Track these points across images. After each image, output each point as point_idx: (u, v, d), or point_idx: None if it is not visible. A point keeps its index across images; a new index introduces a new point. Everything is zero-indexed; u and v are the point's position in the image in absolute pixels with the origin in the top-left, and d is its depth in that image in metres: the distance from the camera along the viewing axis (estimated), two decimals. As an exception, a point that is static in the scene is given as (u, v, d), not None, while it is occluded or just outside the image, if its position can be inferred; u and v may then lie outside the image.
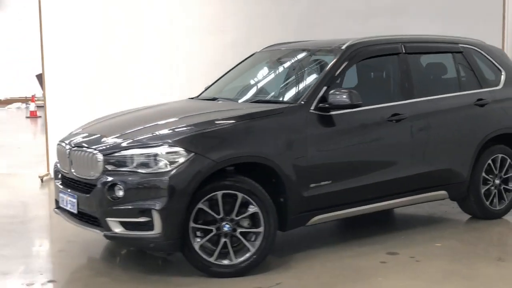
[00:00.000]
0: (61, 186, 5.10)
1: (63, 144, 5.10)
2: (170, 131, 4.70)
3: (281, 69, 5.86)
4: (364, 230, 5.89)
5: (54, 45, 8.73)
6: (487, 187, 6.13)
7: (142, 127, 4.92)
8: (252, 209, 4.66)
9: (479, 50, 6.35)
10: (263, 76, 5.89)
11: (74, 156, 4.88)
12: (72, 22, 8.74)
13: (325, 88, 5.15)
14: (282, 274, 4.73)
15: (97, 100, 8.48)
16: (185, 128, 4.71)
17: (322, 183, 5.06)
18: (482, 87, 6.18)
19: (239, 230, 4.65)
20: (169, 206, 4.38)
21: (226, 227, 4.61)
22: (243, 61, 6.40)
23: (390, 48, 5.74)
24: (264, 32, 8.51)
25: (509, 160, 6.26)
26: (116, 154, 4.57)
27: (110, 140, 4.76)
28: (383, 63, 5.83)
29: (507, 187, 6.28)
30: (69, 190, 4.92)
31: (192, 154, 4.48)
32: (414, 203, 5.87)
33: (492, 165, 6.14)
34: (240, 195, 4.62)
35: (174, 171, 4.42)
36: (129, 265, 5.11)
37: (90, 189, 4.65)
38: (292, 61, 5.84)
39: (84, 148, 4.79)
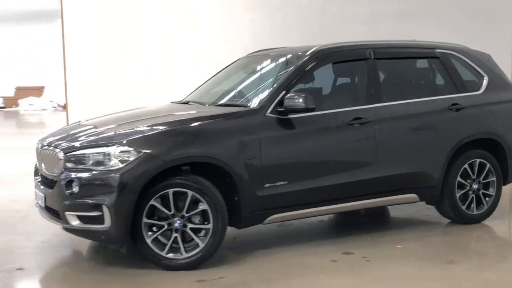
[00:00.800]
0: (37, 183, 5.49)
1: (38, 144, 5.50)
2: (127, 132, 5.01)
3: (253, 74, 6.06)
4: (331, 230, 6.02)
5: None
6: (463, 191, 6.13)
7: (105, 128, 5.25)
8: (202, 206, 4.91)
9: (459, 56, 6.37)
10: (237, 81, 6.11)
11: (43, 154, 5.27)
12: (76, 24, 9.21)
13: (283, 92, 5.34)
14: (231, 269, 4.95)
15: (97, 99, 8.91)
16: (140, 130, 5.01)
17: (278, 183, 5.24)
18: (459, 92, 6.19)
19: (190, 226, 4.91)
20: (117, 201, 4.69)
21: (177, 223, 4.88)
22: (228, 65, 6.65)
23: (357, 54, 5.86)
24: (270, 37, 8.76)
25: (488, 165, 6.23)
26: (75, 152, 4.92)
27: (72, 140, 5.12)
28: (350, 69, 5.96)
29: (487, 192, 6.26)
30: (41, 187, 5.31)
31: (142, 153, 4.77)
32: (381, 205, 5.98)
33: (469, 169, 6.14)
34: (190, 193, 4.88)
35: (123, 169, 4.73)
36: (96, 256, 5.45)
37: (53, 185, 5.02)
38: (264, 66, 6.04)
39: (51, 147, 5.16)
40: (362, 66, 5.83)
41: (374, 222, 6.60)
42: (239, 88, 5.95)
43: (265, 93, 5.43)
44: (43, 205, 5.22)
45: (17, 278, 4.95)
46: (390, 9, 8.91)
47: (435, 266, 4.98)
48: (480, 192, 6.24)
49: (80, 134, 5.24)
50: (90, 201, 4.76)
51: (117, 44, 9.18)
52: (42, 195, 5.20)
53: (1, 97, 27.22)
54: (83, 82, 9.20)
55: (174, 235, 4.89)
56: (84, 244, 5.66)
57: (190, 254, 4.92)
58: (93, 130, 5.27)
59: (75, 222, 4.86)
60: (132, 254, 5.39)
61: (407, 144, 5.84)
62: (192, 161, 4.97)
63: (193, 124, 5.11)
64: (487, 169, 6.23)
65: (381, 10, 8.93)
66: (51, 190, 5.04)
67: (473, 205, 6.20)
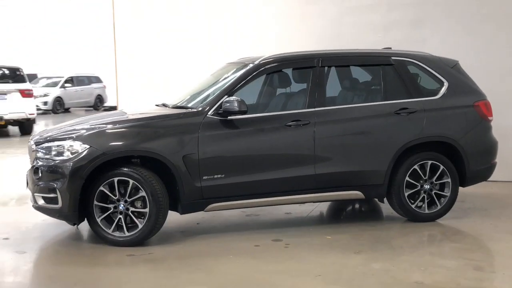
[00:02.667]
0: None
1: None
2: (79, 129, 5.96)
3: (216, 80, 6.72)
4: (293, 222, 6.61)
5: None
6: (413, 190, 6.45)
7: (75, 125, 6.22)
8: (141, 193, 5.75)
9: (418, 63, 6.67)
10: (203, 86, 6.81)
11: (28, 146, 6.37)
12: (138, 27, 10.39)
13: (226, 97, 6.03)
14: (163, 247, 5.74)
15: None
16: (91, 127, 5.95)
17: (215, 176, 5.94)
18: (412, 97, 6.51)
19: (131, 209, 5.78)
20: (67, 186, 5.65)
21: (121, 206, 5.76)
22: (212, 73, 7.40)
23: (303, 62, 6.40)
24: (292, 44, 9.35)
25: (442, 167, 6.50)
26: (41, 145, 5.95)
27: (45, 134, 6.16)
28: (296, 76, 6.50)
29: (441, 193, 6.53)
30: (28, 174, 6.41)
31: (87, 146, 5.70)
32: (322, 200, 6.47)
33: (418, 170, 6.46)
34: (131, 181, 5.74)
35: (72, 159, 5.68)
36: (68, 232, 6.44)
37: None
38: (226, 74, 6.69)
39: (31, 141, 6.24)
40: (308, 73, 6.35)
41: (346, 216, 7.09)
42: (199, 92, 6.66)
43: (211, 97, 6.16)
44: (26, 188, 6.32)
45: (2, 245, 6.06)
46: (405, 16, 9.14)
47: (341, 255, 5.44)
48: (433, 192, 6.51)
49: (54, 130, 6.26)
50: (49, 185, 5.76)
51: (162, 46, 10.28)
52: (27, 180, 6.30)
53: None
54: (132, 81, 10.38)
55: (119, 216, 5.77)
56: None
57: (131, 233, 5.76)
58: (65, 127, 6.27)
59: (40, 202, 5.89)
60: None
61: (347, 145, 6.27)
62: (132, 154, 5.81)
63: (137, 123, 5.98)
64: (440, 170, 6.50)
65: (397, 17, 9.18)
66: (30, 176, 6.12)
67: (424, 204, 6.49)
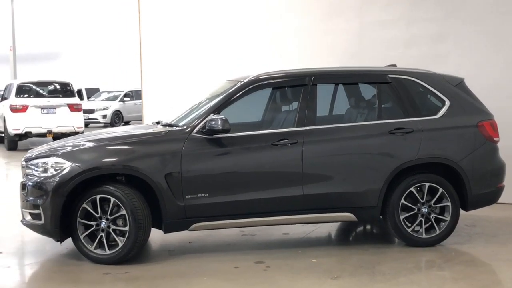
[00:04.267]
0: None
1: (29, 153, 6.68)
2: (70, 145, 5.96)
3: (209, 98, 6.59)
4: (285, 243, 6.41)
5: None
6: (408, 214, 6.12)
7: (66, 142, 6.24)
8: (122, 211, 5.70)
9: (417, 81, 6.35)
10: (196, 104, 6.70)
11: (21, 163, 6.44)
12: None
13: (212, 115, 5.92)
14: (143, 266, 5.62)
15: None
16: (78, 143, 5.94)
17: (199, 195, 5.81)
18: (408, 116, 6.21)
19: (112, 227, 5.73)
20: (49, 202, 5.65)
21: (103, 224, 5.73)
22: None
23: (293, 81, 6.20)
24: (314, 61, 9.16)
25: (441, 190, 6.15)
26: (29, 162, 5.99)
27: (35, 151, 6.21)
28: (286, 94, 6.30)
29: (440, 217, 6.17)
30: (23, 189, 6.46)
31: (70, 163, 5.70)
32: (311, 222, 6.22)
33: (415, 193, 6.13)
34: (112, 199, 5.69)
35: (55, 176, 5.69)
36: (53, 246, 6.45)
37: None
38: (219, 91, 6.54)
39: (23, 158, 6.31)
40: (299, 91, 6.14)
41: (343, 236, 6.82)
42: (194, 110, 6.53)
43: (197, 116, 6.05)
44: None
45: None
46: (426, 30, 8.79)
47: (321, 280, 5.19)
48: (432, 216, 6.17)
49: (44, 146, 6.31)
50: (32, 202, 5.79)
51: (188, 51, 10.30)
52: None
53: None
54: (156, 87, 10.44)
55: (100, 234, 5.73)
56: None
57: (112, 251, 5.70)
58: (58, 143, 6.30)
59: (27, 218, 5.92)
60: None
61: (338, 165, 6.00)
62: (112, 172, 5.77)
63: (120, 141, 5.92)
64: (439, 193, 6.15)
65: (418, 32, 8.85)
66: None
67: (422, 228, 6.15)
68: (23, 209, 5.96)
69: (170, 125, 6.27)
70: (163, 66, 10.63)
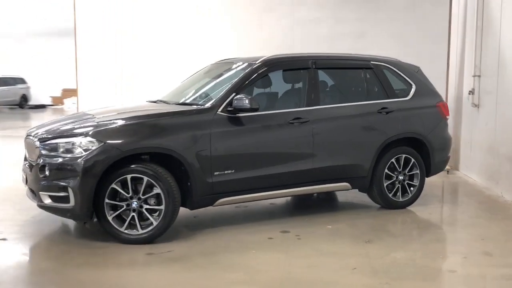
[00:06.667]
0: (25, 167, 5.17)
1: (26, 133, 5.18)
2: (89, 125, 4.69)
3: (214, 79, 5.72)
4: (278, 213, 5.71)
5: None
6: (390, 181, 5.79)
7: (78, 121, 4.92)
8: (156, 190, 4.58)
9: (391, 67, 6.03)
10: (201, 84, 5.77)
11: (26, 142, 4.95)
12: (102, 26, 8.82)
13: (234, 94, 5.00)
14: (179, 244, 4.67)
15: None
16: (100, 123, 4.69)
17: (226, 171, 4.92)
18: (388, 97, 5.84)
19: (145, 206, 4.58)
20: (80, 184, 4.40)
21: (134, 204, 4.57)
22: (198, 71, 6.30)
23: (300, 63, 5.54)
24: (251, 53, 8.34)
25: (413, 160, 5.89)
26: (47, 142, 4.61)
27: (48, 130, 4.79)
28: (294, 76, 5.63)
29: (411, 182, 5.92)
30: (27, 170, 4.99)
31: (102, 143, 4.45)
32: (318, 191, 5.65)
33: (395, 163, 5.79)
34: (145, 178, 4.58)
35: (86, 156, 4.42)
36: (72, 231, 5.12)
37: (31, 169, 4.70)
38: (224, 73, 5.69)
39: (31, 137, 4.84)
40: (305, 74, 5.51)
41: (317, 206, 6.25)
42: (200, 90, 5.61)
43: (219, 95, 5.08)
44: (26, 186, 4.90)
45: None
46: (349, 28, 8.53)
47: (354, 244, 4.67)
48: (405, 183, 5.90)
49: (57, 125, 4.91)
50: (59, 184, 4.43)
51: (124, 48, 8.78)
52: (25, 177, 4.89)
53: (50, 96, 27.09)
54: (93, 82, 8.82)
55: (132, 214, 4.56)
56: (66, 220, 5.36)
57: (145, 230, 4.62)
58: (67, 123, 4.94)
59: (47, 201, 4.57)
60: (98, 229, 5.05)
61: (340, 141, 5.53)
62: (148, 151, 4.67)
63: (151, 120, 4.77)
64: (411, 163, 5.90)
65: (342, 30, 8.54)
66: (30, 173, 4.72)
67: (399, 193, 5.86)
68: (40, 192, 4.54)
69: (186, 104, 5.20)
70: (99, 57, 8.97)
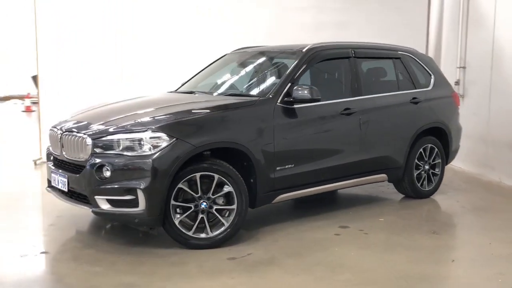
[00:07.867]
0: (53, 167, 4.53)
1: (55, 130, 4.53)
2: (152, 118, 4.19)
3: (249, 68, 5.42)
4: (316, 208, 5.49)
5: (48, 46, 7.95)
6: (419, 171, 5.84)
7: (124, 116, 4.38)
8: (227, 188, 4.22)
9: (413, 57, 6.07)
10: (234, 73, 5.42)
11: (65, 140, 4.31)
12: (65, 25, 7.96)
13: (289, 84, 4.72)
14: (252, 246, 4.33)
15: (82, 95, 7.79)
16: (166, 116, 4.21)
17: (286, 166, 4.66)
18: (416, 87, 5.88)
19: (215, 207, 4.19)
20: (152, 185, 3.91)
21: (203, 205, 4.17)
22: (215, 61, 5.91)
23: (342, 52, 5.37)
24: (236, 42, 7.97)
25: (436, 150, 6.00)
26: (103, 138, 4.04)
27: (98, 126, 4.22)
28: (337, 65, 5.45)
29: (434, 171, 6.02)
30: (60, 171, 4.37)
31: (174, 139, 3.99)
32: (360, 184, 5.53)
33: (423, 153, 5.85)
34: (216, 176, 4.18)
35: (157, 154, 3.94)
36: (112, 238, 4.57)
37: (79, 170, 4.12)
38: (259, 61, 5.41)
39: (74, 133, 4.22)
40: (346, 63, 5.36)
41: (340, 200, 6.13)
42: (238, 80, 5.24)
43: (273, 85, 4.79)
44: (65, 189, 4.26)
45: (42, 261, 3.98)
46: (333, 18, 8.48)
47: (421, 236, 4.63)
48: (430, 172, 5.97)
49: (101, 121, 4.31)
50: (124, 186, 3.89)
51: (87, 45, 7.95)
52: (65, 179, 4.25)
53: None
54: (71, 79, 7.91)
55: (201, 215, 4.14)
56: (86, 223, 4.83)
57: (215, 233, 4.23)
58: (111, 117, 4.36)
59: (105, 206, 4.01)
60: (134, 233, 4.55)
61: (383, 131, 5.47)
62: (218, 146, 4.25)
63: (215, 112, 4.36)
64: (435, 152, 5.98)
65: (326, 19, 8.48)
66: (77, 175, 4.11)
67: (425, 182, 5.93)
68: (96, 196, 3.97)
69: (238, 95, 4.85)
70: (61, 53, 8.04)
